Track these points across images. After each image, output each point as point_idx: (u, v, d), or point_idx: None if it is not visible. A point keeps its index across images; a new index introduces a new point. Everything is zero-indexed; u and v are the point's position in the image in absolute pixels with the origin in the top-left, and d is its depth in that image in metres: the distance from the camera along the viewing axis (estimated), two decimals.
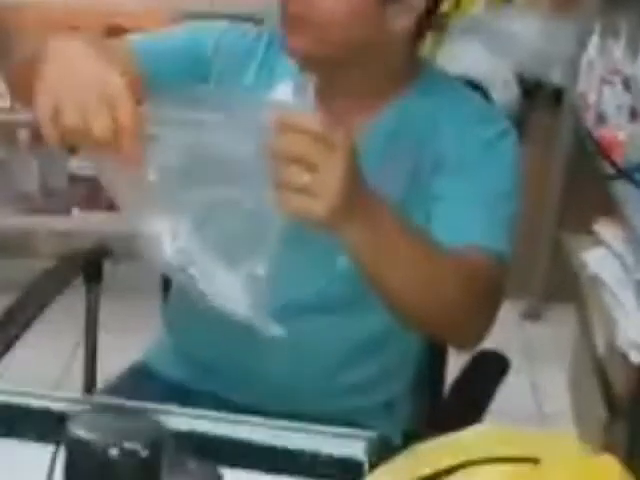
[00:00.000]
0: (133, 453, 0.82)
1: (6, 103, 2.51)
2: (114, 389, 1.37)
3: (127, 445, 0.82)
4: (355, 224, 0.96)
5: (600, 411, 2.10)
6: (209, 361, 1.31)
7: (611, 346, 2.03)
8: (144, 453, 0.82)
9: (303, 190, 0.91)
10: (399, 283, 1.04)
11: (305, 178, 0.91)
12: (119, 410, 0.98)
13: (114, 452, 0.82)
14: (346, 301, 1.24)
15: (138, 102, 0.98)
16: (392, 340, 1.29)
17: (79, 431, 0.83)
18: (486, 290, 1.13)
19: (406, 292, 1.05)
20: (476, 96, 1.29)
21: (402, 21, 1.16)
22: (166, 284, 1.48)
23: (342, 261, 1.16)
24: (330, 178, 0.91)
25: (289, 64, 1.22)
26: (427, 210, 1.19)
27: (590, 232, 2.23)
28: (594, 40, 2.50)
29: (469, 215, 1.16)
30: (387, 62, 1.21)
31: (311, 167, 0.91)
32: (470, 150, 1.20)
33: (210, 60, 1.26)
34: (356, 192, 0.94)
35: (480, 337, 1.16)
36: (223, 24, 1.32)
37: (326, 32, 1.14)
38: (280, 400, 1.24)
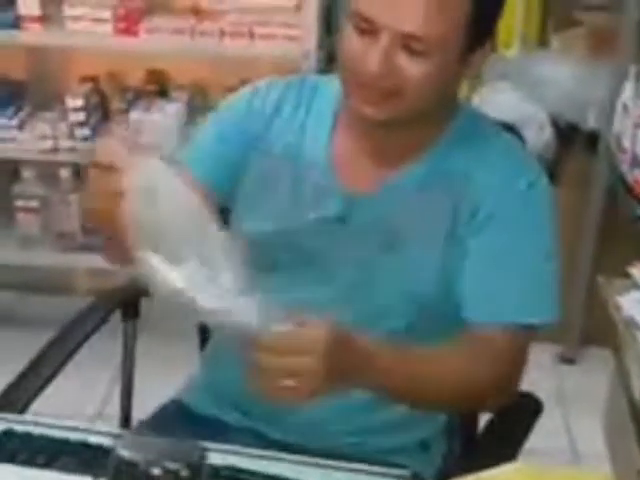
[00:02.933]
0: (175, 472, 0.86)
1: (48, 143, 2.57)
2: (150, 425, 1.38)
3: (169, 465, 0.85)
4: (349, 385, 1.08)
5: (636, 456, 2.07)
6: (243, 397, 1.32)
7: None
8: (185, 472, 0.86)
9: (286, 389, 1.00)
10: (414, 401, 1.16)
11: (287, 382, 1.00)
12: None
13: (156, 471, 0.85)
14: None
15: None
16: None
17: (124, 451, 0.86)
18: (514, 368, 1.21)
19: (425, 405, 1.18)
20: (509, 140, 1.29)
21: (477, 68, 1.19)
22: (203, 323, 1.50)
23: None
24: (311, 378, 1.00)
25: (325, 108, 1.25)
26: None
27: (626, 276, 2.22)
28: (629, 84, 2.50)
29: (502, 289, 1.19)
30: (442, 111, 1.23)
31: (292, 373, 1.00)
32: (505, 202, 1.21)
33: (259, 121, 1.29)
34: (340, 371, 1.03)
35: (508, 400, 1.22)
36: (247, 92, 1.32)
37: (416, 101, 1.15)
38: (315, 436, 1.25)
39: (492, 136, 1.27)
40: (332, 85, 1.26)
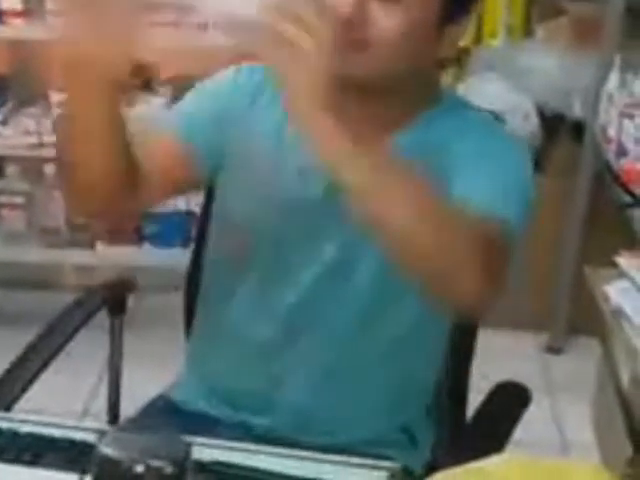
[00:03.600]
0: (158, 470, 0.85)
1: (33, 139, 2.55)
2: (137, 421, 1.38)
3: (152, 462, 0.84)
4: (354, 161, 1.00)
5: (625, 445, 2.08)
6: (231, 391, 1.33)
7: (636, 380, 2.01)
8: (169, 470, 0.85)
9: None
10: (401, 222, 1.03)
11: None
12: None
13: (140, 469, 0.84)
14: (357, 325, 1.26)
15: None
16: (407, 352, 1.29)
17: (107, 449, 0.85)
18: (492, 248, 1.09)
19: (409, 233, 1.03)
20: (491, 118, 1.30)
21: (451, 46, 1.17)
22: (189, 317, 1.50)
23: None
24: (317, 42, 0.97)
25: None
26: None
27: (613, 264, 2.22)
28: (614, 74, 2.51)
29: (479, 189, 1.14)
30: (420, 88, 1.22)
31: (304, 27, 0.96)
32: (477, 156, 1.18)
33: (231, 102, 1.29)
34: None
35: (484, 301, 1.10)
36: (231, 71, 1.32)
37: (386, 53, 1.12)
38: (303, 426, 1.25)
39: (473, 114, 1.27)
40: None
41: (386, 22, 1.10)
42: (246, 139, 1.27)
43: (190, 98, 1.33)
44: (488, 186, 1.15)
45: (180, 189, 1.34)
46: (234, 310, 1.30)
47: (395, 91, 1.19)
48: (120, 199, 1.21)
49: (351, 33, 1.10)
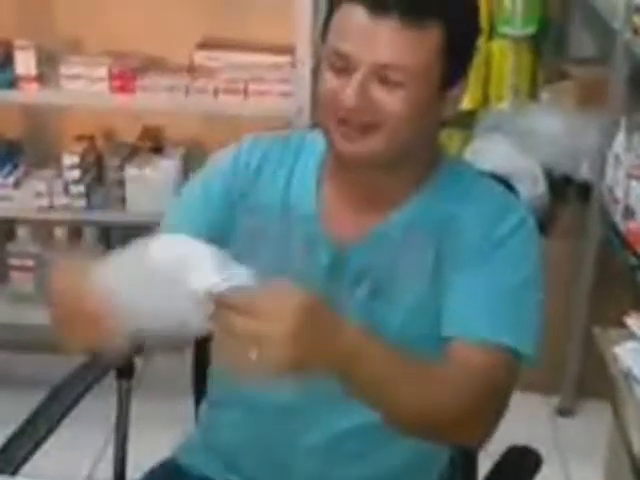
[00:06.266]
0: None
1: (44, 201, 2.58)
2: None
3: None
4: (328, 365, 1.02)
5: None
6: (239, 456, 1.31)
7: None
8: None
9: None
10: (390, 403, 1.08)
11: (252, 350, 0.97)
12: None
13: None
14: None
15: None
16: None
17: None
18: (490, 389, 1.14)
19: (399, 409, 1.08)
20: (494, 186, 1.30)
21: (452, 107, 1.20)
22: (197, 379, 1.49)
23: None
24: (275, 346, 0.97)
25: (310, 162, 1.27)
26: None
27: (622, 326, 2.21)
28: (620, 135, 2.52)
29: (477, 309, 1.17)
30: (423, 153, 1.24)
31: (256, 339, 0.97)
32: (482, 248, 1.21)
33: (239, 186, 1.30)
34: (310, 346, 0.99)
35: (487, 434, 1.15)
36: (230, 154, 1.34)
37: (395, 135, 1.16)
38: None
39: (475, 180, 1.29)
40: (317, 138, 1.28)
41: (391, 103, 1.14)
42: (249, 218, 1.29)
43: (192, 191, 1.34)
44: (492, 293, 1.18)
45: None
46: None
47: (400, 163, 1.21)
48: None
49: (360, 119, 1.14)
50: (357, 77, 1.13)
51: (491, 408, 1.14)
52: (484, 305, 1.18)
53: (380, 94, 1.14)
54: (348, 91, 1.13)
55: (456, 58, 1.17)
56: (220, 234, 1.27)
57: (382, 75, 1.13)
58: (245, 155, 1.31)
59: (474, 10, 1.20)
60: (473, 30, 1.20)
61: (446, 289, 1.20)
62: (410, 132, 1.17)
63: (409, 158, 1.21)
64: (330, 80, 1.16)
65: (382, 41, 1.12)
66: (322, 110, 1.19)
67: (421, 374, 1.09)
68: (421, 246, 1.23)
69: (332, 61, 1.15)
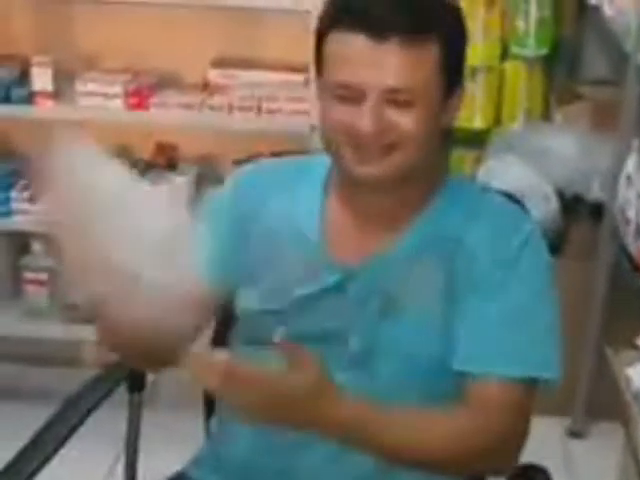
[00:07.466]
0: None
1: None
2: None
3: None
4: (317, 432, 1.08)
5: None
6: (249, 470, 1.31)
7: None
8: None
9: None
10: (397, 460, 1.15)
11: None
12: None
13: None
14: None
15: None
16: None
17: None
18: (511, 426, 1.16)
19: (414, 466, 1.15)
20: (497, 201, 1.31)
21: (452, 116, 1.24)
22: (208, 394, 1.49)
23: None
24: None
25: (313, 186, 1.29)
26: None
27: (634, 347, 2.20)
28: (632, 156, 2.53)
29: (493, 342, 1.18)
30: (425, 171, 1.25)
31: None
32: (494, 275, 1.21)
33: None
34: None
35: (514, 462, 1.19)
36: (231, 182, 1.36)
37: (412, 152, 1.19)
38: None
39: (481, 197, 1.30)
40: (319, 162, 1.29)
41: (404, 123, 1.17)
42: (259, 237, 1.30)
43: (201, 234, 1.35)
44: (507, 318, 1.19)
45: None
46: None
47: (407, 181, 1.22)
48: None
49: (379, 142, 1.17)
50: (369, 105, 1.15)
51: (514, 441, 1.18)
52: (499, 335, 1.19)
53: (393, 116, 1.16)
54: (365, 120, 1.15)
55: (454, 68, 1.20)
56: (236, 265, 1.29)
57: (391, 98, 1.16)
58: (245, 186, 1.33)
59: (462, 19, 1.23)
60: (464, 38, 1.23)
61: (460, 316, 1.21)
62: (425, 146, 1.20)
63: (416, 175, 1.23)
64: (337, 111, 1.18)
65: (387, 66, 1.14)
66: (333, 138, 1.20)
67: (424, 431, 1.13)
68: (430, 267, 1.23)
69: (337, 93, 1.18)
